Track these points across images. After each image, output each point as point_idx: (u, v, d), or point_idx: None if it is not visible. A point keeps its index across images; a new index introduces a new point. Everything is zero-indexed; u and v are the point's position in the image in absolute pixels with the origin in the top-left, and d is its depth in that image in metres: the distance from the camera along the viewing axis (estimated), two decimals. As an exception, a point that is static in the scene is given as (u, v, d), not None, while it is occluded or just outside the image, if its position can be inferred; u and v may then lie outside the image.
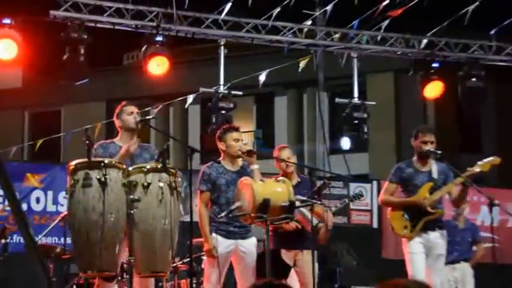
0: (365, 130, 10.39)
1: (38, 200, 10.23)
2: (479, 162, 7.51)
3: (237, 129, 7.15)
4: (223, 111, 9.72)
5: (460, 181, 7.38)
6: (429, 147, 7.42)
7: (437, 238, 7.46)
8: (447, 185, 7.43)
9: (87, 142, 5.97)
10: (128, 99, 22.84)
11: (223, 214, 6.53)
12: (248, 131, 23.97)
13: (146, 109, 12.86)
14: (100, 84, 21.24)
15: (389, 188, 7.63)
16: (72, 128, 14.60)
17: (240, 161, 7.01)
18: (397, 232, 7.56)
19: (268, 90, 21.25)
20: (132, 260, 5.91)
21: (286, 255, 7.33)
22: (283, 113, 23.36)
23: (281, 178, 6.69)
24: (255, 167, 6.87)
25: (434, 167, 7.49)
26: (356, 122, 10.30)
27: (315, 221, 7.03)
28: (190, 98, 10.76)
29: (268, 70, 10.38)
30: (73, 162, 5.94)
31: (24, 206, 10.12)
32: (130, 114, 6.59)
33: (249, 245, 6.89)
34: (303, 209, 7.06)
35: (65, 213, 6.40)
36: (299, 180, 7.49)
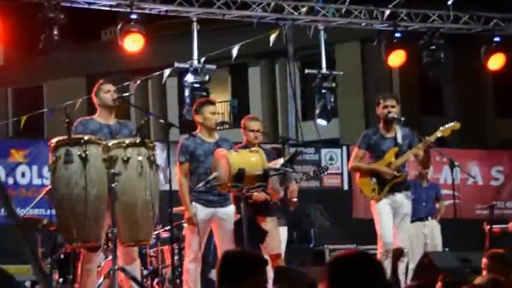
0: (332, 100, 10.38)
1: (23, 175, 10.15)
2: (441, 128, 7.60)
3: (213, 103, 7.14)
4: (199, 85, 9.65)
5: (423, 145, 7.44)
6: (392, 112, 7.46)
7: (403, 199, 7.55)
8: (411, 150, 7.50)
9: (67, 120, 5.92)
10: (107, 73, 22.80)
11: (201, 184, 6.53)
12: (224, 101, 23.92)
13: (126, 84, 12.78)
14: (79, 59, 21.03)
15: (358, 155, 7.68)
16: (55, 103, 14.49)
17: (216, 133, 6.99)
18: (366, 195, 7.64)
19: (242, 62, 21.16)
20: (115, 231, 5.90)
21: None
22: (257, 82, 23.32)
23: (254, 148, 6.68)
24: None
25: (399, 133, 7.54)
26: (325, 91, 10.29)
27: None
28: (166, 73, 10.67)
29: (239, 44, 10.32)
30: (54, 140, 5.91)
31: (11, 181, 10.06)
32: (107, 92, 6.52)
33: (228, 213, 6.89)
34: (273, 180, 7.06)
35: (50, 187, 6.34)
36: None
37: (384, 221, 7.42)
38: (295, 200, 7.58)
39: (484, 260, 5.52)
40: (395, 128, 7.56)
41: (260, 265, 3.45)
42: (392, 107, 7.49)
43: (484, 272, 5.45)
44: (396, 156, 7.49)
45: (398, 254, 7.30)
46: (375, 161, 7.59)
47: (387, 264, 7.28)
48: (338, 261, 2.89)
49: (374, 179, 7.51)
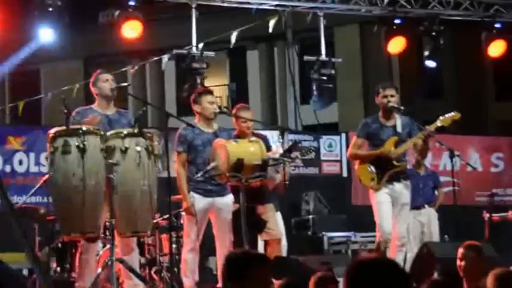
0: (332, 86, 10.36)
1: (20, 162, 10.13)
2: (440, 118, 7.61)
3: (211, 93, 7.15)
4: (197, 72, 9.63)
5: (423, 135, 7.45)
6: (392, 101, 7.46)
7: (402, 188, 7.55)
8: (411, 139, 7.50)
9: (65, 111, 5.92)
10: (105, 56, 22.65)
11: (199, 174, 6.55)
12: (222, 85, 23.86)
13: (123, 69, 12.76)
14: (77, 42, 20.94)
15: (357, 143, 7.67)
16: (51, 87, 14.46)
17: (215, 123, 7.00)
18: (365, 184, 7.64)
19: (240, 45, 21.09)
20: (113, 222, 5.92)
21: None
22: (256, 66, 23.24)
23: (254, 138, 6.70)
24: None
25: (398, 122, 7.54)
26: (324, 78, 10.27)
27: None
28: (165, 59, 10.65)
29: (238, 30, 10.28)
30: (52, 131, 5.91)
31: (8, 168, 10.05)
32: (105, 82, 6.52)
33: (226, 202, 6.90)
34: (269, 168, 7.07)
35: (48, 176, 6.35)
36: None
37: (383, 210, 7.43)
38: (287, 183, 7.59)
39: (461, 250, 5.59)
40: (394, 117, 7.56)
41: (264, 264, 3.49)
42: (392, 96, 7.49)
43: (460, 262, 5.52)
44: (396, 145, 7.49)
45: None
46: (374, 150, 7.60)
47: (385, 254, 7.32)
48: (360, 266, 2.73)
49: (373, 168, 7.51)
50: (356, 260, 2.81)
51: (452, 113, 7.68)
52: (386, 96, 7.49)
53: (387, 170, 7.46)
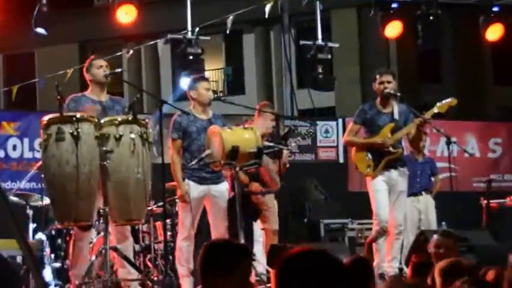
0: (326, 71, 10.30)
1: (14, 148, 10.08)
2: (437, 104, 7.60)
3: (207, 79, 7.13)
4: (192, 57, 9.58)
5: (419, 121, 7.43)
6: (389, 88, 7.43)
7: (399, 176, 7.54)
8: (407, 126, 7.48)
9: (58, 97, 5.89)
10: (100, 40, 22.55)
11: (194, 162, 6.53)
12: (218, 69, 23.80)
13: (118, 53, 12.71)
14: (72, 26, 20.89)
15: (353, 129, 7.66)
16: (46, 71, 14.39)
17: (210, 110, 6.97)
18: (361, 171, 7.63)
19: (236, 29, 21.02)
20: (107, 210, 5.91)
21: None
22: (252, 50, 23.18)
23: (249, 125, 6.68)
24: None
25: (395, 108, 7.52)
26: (321, 63, 10.22)
27: None
28: (160, 45, 10.59)
29: (234, 14, 10.21)
30: (46, 117, 5.89)
31: (2, 154, 10.02)
32: (99, 68, 6.48)
33: (221, 190, 6.90)
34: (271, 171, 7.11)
35: (41, 162, 6.33)
36: None
37: (380, 198, 7.42)
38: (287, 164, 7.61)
39: (437, 237, 5.60)
40: (392, 104, 7.54)
41: (245, 256, 3.45)
42: (388, 82, 7.46)
43: (437, 250, 5.52)
44: (392, 132, 7.48)
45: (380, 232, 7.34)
46: (370, 137, 7.58)
47: (382, 242, 7.33)
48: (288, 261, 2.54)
49: (370, 155, 7.50)
50: (286, 254, 2.60)
51: (449, 99, 7.66)
52: (382, 83, 7.46)
53: (383, 157, 7.45)
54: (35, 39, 22.21)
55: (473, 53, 21.59)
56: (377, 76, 7.52)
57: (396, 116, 7.49)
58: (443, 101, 7.63)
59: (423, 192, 9.61)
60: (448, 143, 7.98)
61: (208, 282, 3.36)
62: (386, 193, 7.44)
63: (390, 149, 7.43)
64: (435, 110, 7.53)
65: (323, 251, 2.57)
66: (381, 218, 7.37)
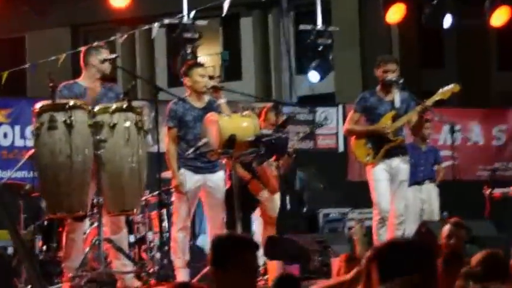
0: (330, 57, 10.30)
1: (5, 135, 10.08)
2: (440, 90, 7.60)
3: (202, 65, 7.11)
4: (189, 43, 9.56)
5: (421, 108, 7.44)
6: (391, 76, 7.43)
7: (400, 164, 7.54)
8: (408, 114, 7.49)
9: (51, 84, 5.89)
10: (93, 24, 22.41)
11: (190, 151, 6.53)
12: (215, 54, 23.75)
13: (112, 38, 12.67)
14: (64, 9, 20.83)
15: (353, 117, 7.67)
16: (37, 55, 14.36)
17: (206, 97, 6.96)
18: (360, 159, 7.65)
19: (234, 12, 20.99)
20: (101, 200, 5.94)
21: None
22: (249, 33, 23.12)
23: (247, 112, 6.68)
24: (221, 101, 6.83)
25: (397, 96, 7.53)
26: (321, 48, 10.19)
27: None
28: (155, 28, 10.56)
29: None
30: (38, 105, 5.90)
31: (-8, 142, 10.04)
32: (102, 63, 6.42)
33: (217, 180, 6.91)
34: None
35: (33, 151, 6.35)
36: None
37: (380, 187, 7.44)
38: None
39: (449, 227, 5.61)
40: (393, 91, 7.55)
41: (248, 248, 3.50)
42: (393, 71, 7.46)
43: (448, 240, 5.54)
44: (393, 120, 7.49)
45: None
46: (370, 125, 7.60)
47: (383, 233, 7.35)
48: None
49: (369, 143, 7.51)
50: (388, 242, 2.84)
51: (452, 85, 7.66)
52: (387, 71, 7.45)
53: (383, 145, 7.46)
54: (26, 23, 22.22)
55: (478, 37, 21.57)
56: (381, 63, 7.51)
57: (397, 104, 7.49)
58: (446, 87, 7.63)
59: (426, 181, 9.64)
60: (451, 131, 7.98)
61: (213, 274, 3.44)
62: (386, 182, 7.45)
63: (390, 136, 7.44)
64: (436, 97, 7.53)
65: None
66: (382, 207, 7.38)
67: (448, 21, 10.79)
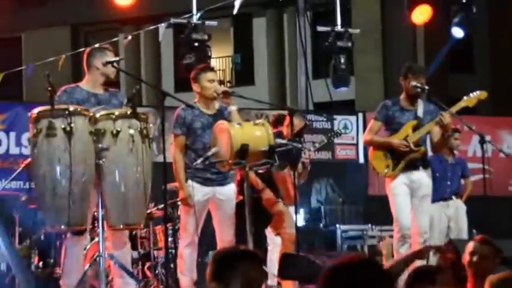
0: (344, 61, 10.30)
1: (0, 143, 10.17)
2: (465, 97, 7.60)
3: (211, 69, 7.13)
4: (197, 44, 9.61)
5: (439, 118, 7.39)
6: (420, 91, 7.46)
7: (422, 177, 7.55)
8: (430, 123, 7.48)
9: (49, 88, 5.91)
10: (95, 23, 22.53)
11: (198, 161, 6.52)
12: (225, 56, 23.82)
13: (115, 39, 12.74)
14: (64, 7, 20.96)
15: (374, 127, 7.70)
16: (34, 57, 14.44)
17: (216, 103, 6.99)
18: (379, 171, 7.66)
19: (246, 11, 21.05)
20: (103, 213, 5.96)
21: None
22: (263, 36, 23.17)
23: (260, 121, 6.69)
24: (232, 108, 6.86)
25: (420, 107, 7.56)
26: (340, 51, 10.21)
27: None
28: (162, 28, 10.61)
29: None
30: (35, 110, 5.91)
31: (-14, 150, 10.10)
32: (105, 65, 6.45)
33: (228, 192, 6.93)
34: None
35: (29, 159, 6.38)
36: None
37: (399, 202, 7.45)
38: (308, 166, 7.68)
39: (474, 244, 5.59)
40: (418, 102, 7.57)
41: (250, 260, 3.52)
42: (422, 85, 7.46)
43: (471, 257, 5.52)
44: (414, 130, 7.51)
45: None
46: (391, 135, 7.62)
47: (405, 252, 7.34)
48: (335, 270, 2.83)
49: (389, 154, 7.53)
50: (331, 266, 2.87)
51: (478, 92, 7.66)
52: (416, 87, 7.45)
53: (404, 156, 7.47)
54: (22, 22, 22.35)
55: (509, 41, 21.55)
56: (409, 75, 7.51)
57: (420, 113, 7.52)
58: (472, 94, 7.64)
59: (453, 197, 9.62)
60: (481, 141, 7.97)
61: None
62: (407, 197, 7.47)
63: (412, 146, 7.44)
64: (462, 104, 7.54)
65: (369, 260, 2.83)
66: (402, 224, 7.39)
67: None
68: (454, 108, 7.51)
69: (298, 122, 7.69)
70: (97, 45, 6.69)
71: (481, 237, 5.69)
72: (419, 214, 7.48)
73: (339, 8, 10.78)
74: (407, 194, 7.46)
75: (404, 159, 7.48)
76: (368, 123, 8.42)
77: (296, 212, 7.43)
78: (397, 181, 7.47)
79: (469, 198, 9.91)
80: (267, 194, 7.45)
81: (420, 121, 7.52)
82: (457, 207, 9.54)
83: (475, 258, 5.47)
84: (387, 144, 7.56)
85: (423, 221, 7.51)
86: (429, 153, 8.14)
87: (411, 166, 7.50)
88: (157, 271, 7.91)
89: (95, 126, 5.89)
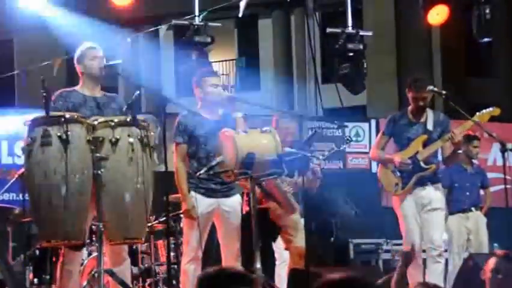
0: (360, 64, 10.30)
1: (-9, 152, 10.21)
2: (477, 113, 7.67)
3: (215, 74, 7.15)
4: (200, 46, 9.62)
5: (448, 137, 7.43)
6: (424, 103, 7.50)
7: (431, 192, 7.63)
8: (440, 140, 7.51)
9: (44, 94, 5.92)
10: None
11: (202, 171, 6.52)
12: (229, 60, 23.86)
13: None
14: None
15: (381, 141, 7.81)
16: (27, 61, 14.48)
17: (220, 110, 7.00)
18: (387, 189, 7.75)
19: (251, 12, 21.08)
20: (101, 226, 5.95)
21: None
22: (269, 37, 23.20)
23: (267, 128, 6.68)
24: (238, 115, 6.86)
25: (430, 118, 7.60)
26: (351, 54, 10.21)
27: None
28: (163, 30, 10.64)
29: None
30: (30, 118, 5.92)
31: (-22, 159, 10.12)
32: (93, 59, 6.52)
33: (233, 204, 6.93)
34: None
35: (23, 170, 6.39)
36: None
37: (409, 224, 7.58)
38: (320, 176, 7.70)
39: (495, 260, 5.58)
40: (426, 113, 7.60)
41: (242, 285, 3.45)
42: (423, 99, 7.52)
43: (490, 274, 5.51)
44: (424, 145, 7.54)
45: (408, 258, 7.42)
46: (400, 150, 7.67)
47: (412, 270, 7.40)
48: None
49: (398, 171, 7.60)
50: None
51: (491, 108, 7.76)
52: (416, 99, 7.51)
53: (413, 174, 7.51)
54: (14, 24, 22.37)
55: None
56: (411, 86, 7.57)
57: (430, 126, 7.55)
58: (484, 110, 7.73)
59: (472, 208, 9.62)
60: (503, 149, 7.98)
61: None
62: (416, 217, 7.55)
63: (422, 164, 7.48)
64: (475, 119, 7.58)
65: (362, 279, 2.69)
66: (412, 243, 7.48)
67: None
68: (465, 127, 7.56)
69: (292, 125, 7.66)
70: (88, 44, 6.68)
71: (504, 252, 5.68)
72: (432, 227, 7.55)
73: (350, 9, 10.78)
74: (416, 214, 7.57)
75: (414, 177, 7.55)
76: (381, 130, 8.45)
77: (307, 228, 7.45)
78: (406, 202, 7.60)
79: (489, 210, 9.90)
80: (272, 204, 7.44)
81: (430, 135, 7.58)
82: (476, 220, 9.55)
83: (500, 276, 5.46)
84: (390, 162, 7.62)
85: (436, 234, 7.57)
86: (442, 166, 8.16)
87: (420, 183, 7.58)
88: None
89: (92, 135, 5.89)
